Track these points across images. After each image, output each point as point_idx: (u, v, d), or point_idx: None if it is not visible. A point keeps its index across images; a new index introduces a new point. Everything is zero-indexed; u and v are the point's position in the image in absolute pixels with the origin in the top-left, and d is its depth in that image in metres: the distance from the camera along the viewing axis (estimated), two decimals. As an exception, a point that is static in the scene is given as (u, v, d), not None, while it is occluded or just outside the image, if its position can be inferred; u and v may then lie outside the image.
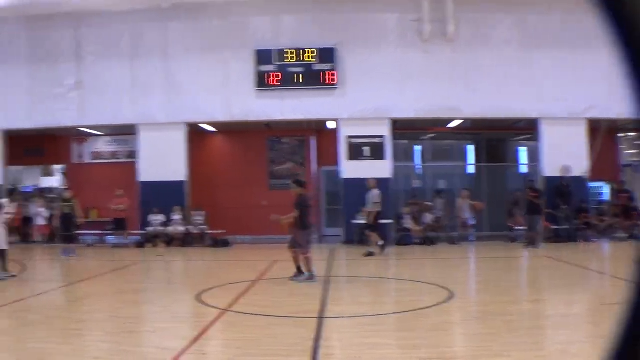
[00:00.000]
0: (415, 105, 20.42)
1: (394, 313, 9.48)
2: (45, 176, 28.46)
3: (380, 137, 20.42)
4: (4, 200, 13.57)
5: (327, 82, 20.11)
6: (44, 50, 21.99)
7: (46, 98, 21.89)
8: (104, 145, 25.14)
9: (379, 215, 17.47)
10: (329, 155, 22.22)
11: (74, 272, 15.85)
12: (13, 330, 8.57)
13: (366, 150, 20.26)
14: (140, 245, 20.70)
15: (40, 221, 22.97)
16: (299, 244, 12.45)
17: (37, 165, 27.98)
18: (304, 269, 12.49)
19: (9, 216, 13.59)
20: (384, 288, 12.41)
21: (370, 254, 17.07)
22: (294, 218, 12.40)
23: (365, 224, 17.90)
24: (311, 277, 12.38)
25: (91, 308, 10.35)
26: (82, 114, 21.67)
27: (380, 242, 17.26)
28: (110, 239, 22.65)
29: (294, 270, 12.50)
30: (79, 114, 21.66)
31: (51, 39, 21.96)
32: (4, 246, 13.39)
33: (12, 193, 14.30)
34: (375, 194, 17.29)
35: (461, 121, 21.68)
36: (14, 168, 26.64)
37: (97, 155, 25.25)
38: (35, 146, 25.47)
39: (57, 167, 27.73)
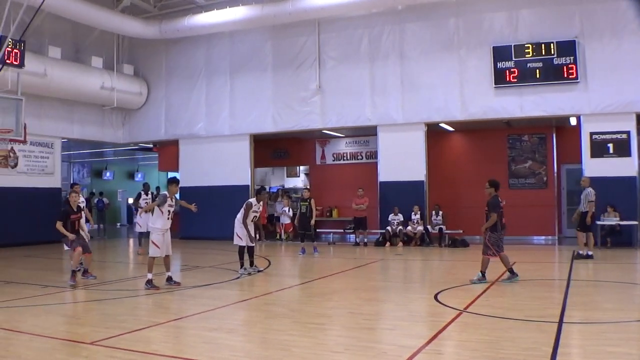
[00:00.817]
0: (663, 98, 19.22)
1: (637, 321, 8.93)
2: (290, 177, 30.00)
3: (625, 132, 19.45)
4: (252, 200, 14.41)
5: (568, 76, 19.57)
6: (287, 57, 23.74)
7: (290, 103, 23.34)
8: (345, 147, 25.97)
9: (593, 216, 17.25)
10: (570, 153, 21.85)
11: (315, 268, 16.81)
12: (260, 322, 9.41)
13: (610, 147, 19.19)
14: (379, 244, 21.33)
15: (285, 220, 24.34)
16: (486, 245, 12.85)
17: (283, 167, 29.46)
18: (481, 268, 12.91)
19: (256, 214, 14.39)
20: (628, 293, 11.87)
21: (580, 256, 17.13)
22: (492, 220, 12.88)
23: (578, 224, 17.47)
24: (482, 278, 12.76)
25: (331, 303, 10.98)
26: (324, 117, 22.93)
27: (590, 252, 17.16)
28: (351, 237, 23.26)
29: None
30: (321, 117, 22.89)
31: (294, 46, 23.61)
32: (252, 243, 14.25)
33: (259, 193, 15.12)
34: (590, 193, 17.01)
35: None
36: (262, 169, 28.36)
37: (338, 156, 26.05)
38: (282, 149, 26.96)
39: (301, 168, 29.03)
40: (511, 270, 12.88)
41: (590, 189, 17.25)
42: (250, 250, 14.94)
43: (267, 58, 25.34)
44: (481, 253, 13.00)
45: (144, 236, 19.40)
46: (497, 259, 12.84)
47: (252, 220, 14.95)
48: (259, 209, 15.07)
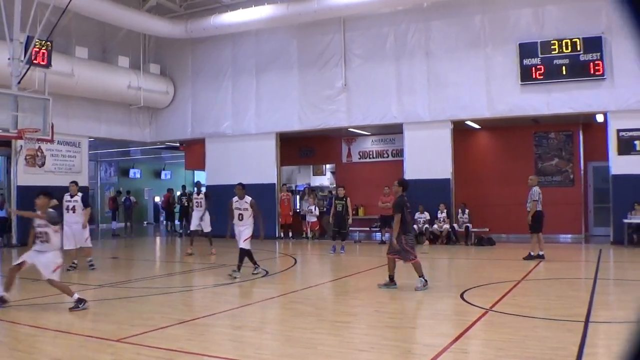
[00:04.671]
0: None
1: (665, 319, 8.79)
2: (316, 175, 29.96)
3: (653, 129, 19.18)
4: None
5: (594, 73, 19.57)
6: (313, 56, 23.81)
7: (316, 101, 23.35)
8: (371, 145, 26.06)
9: (536, 216, 16.56)
10: (597, 150, 21.76)
11: (342, 267, 16.81)
12: (286, 320, 9.53)
13: (637, 144, 19.08)
14: (406, 242, 21.05)
15: (312, 218, 24.20)
16: (399, 250, 11.93)
17: (309, 165, 29.48)
18: (417, 273, 12.05)
19: (239, 211, 14.05)
20: (655, 292, 11.58)
21: (530, 257, 16.61)
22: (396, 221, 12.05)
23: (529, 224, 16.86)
24: (425, 283, 12.00)
25: (357, 302, 11.12)
26: (350, 115, 22.93)
27: (541, 252, 16.62)
28: (377, 235, 23.25)
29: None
30: (347, 115, 22.89)
31: (319, 44, 23.68)
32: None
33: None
34: (534, 192, 16.64)
35: None
36: (288, 168, 28.40)
37: (364, 154, 26.09)
38: (308, 147, 26.99)
39: (328, 166, 29.04)
40: (392, 278, 12.20)
41: (536, 188, 16.73)
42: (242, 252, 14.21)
43: (293, 56, 25.36)
44: (387, 254, 12.28)
45: (195, 235, 19.56)
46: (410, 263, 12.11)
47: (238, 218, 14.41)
48: (241, 205, 14.45)
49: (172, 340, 7.92)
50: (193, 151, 30.71)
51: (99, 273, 14.89)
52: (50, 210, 10.35)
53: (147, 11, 25.32)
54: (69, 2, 17.92)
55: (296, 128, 25.31)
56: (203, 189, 20.55)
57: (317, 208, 25.44)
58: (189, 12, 26.41)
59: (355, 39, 24.18)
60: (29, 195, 22.87)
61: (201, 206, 19.72)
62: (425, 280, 11.99)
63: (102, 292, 12.33)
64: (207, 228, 19.64)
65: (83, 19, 23.56)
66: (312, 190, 28.58)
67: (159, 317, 9.47)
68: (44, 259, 10.13)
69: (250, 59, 26.35)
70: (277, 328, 9.11)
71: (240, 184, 14.79)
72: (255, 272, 14.28)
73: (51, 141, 17.71)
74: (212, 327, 9.05)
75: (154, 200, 42.59)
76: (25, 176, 23.30)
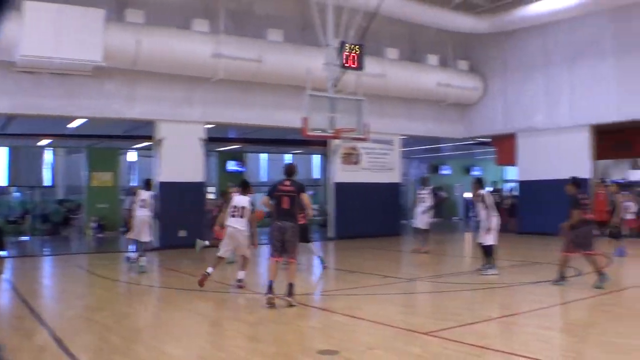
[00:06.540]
0: None
1: None
2: (633, 169, 28.15)
3: None
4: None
5: None
6: (635, 41, 21.47)
7: (635, 90, 21.35)
8: None
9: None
10: None
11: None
12: (599, 323, 8.79)
13: None
14: None
15: (628, 215, 22.45)
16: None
17: (625, 159, 27.77)
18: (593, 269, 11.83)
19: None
20: None
21: None
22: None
23: None
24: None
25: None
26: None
27: None
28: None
29: None
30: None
31: (637, 29, 21.49)
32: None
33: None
34: None
35: None
36: (601, 162, 27.10)
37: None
38: (623, 139, 25.16)
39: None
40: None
41: None
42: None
43: (607, 42, 23.78)
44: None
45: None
46: None
47: None
48: None
49: (479, 336, 7.96)
50: (504, 146, 30.22)
51: (412, 268, 15.28)
52: None
53: (454, 8, 25.33)
54: (378, 7, 18.60)
55: (611, 119, 23.65)
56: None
57: (635, 205, 23.76)
58: (495, 6, 25.96)
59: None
60: (343, 191, 24.44)
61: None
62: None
63: (412, 286, 12.67)
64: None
65: (392, 21, 24.27)
66: (629, 185, 26.88)
67: (467, 313, 9.57)
68: None
69: (562, 48, 25.11)
70: (589, 331, 8.69)
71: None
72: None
73: (365, 140, 18.47)
74: (519, 326, 8.95)
75: (464, 196, 42.80)
76: (341, 173, 24.90)
